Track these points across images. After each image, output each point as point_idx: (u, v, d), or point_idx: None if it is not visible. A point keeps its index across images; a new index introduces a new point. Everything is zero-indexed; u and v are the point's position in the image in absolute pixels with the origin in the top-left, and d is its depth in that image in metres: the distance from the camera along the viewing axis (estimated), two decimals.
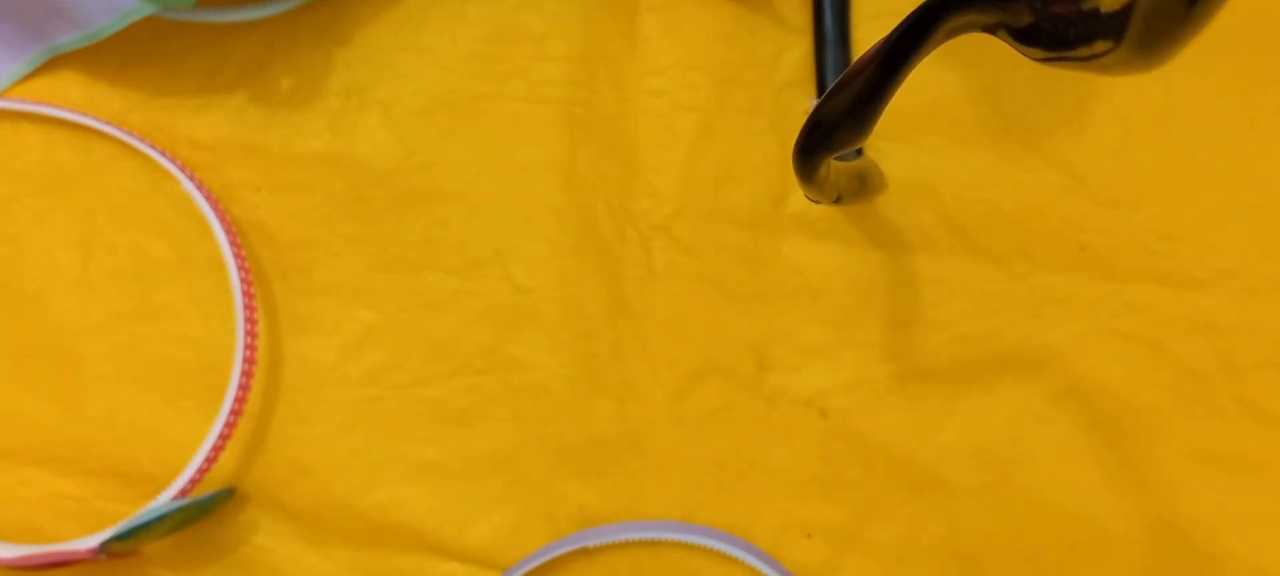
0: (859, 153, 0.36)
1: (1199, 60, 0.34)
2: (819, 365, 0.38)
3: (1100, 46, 0.21)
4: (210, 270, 0.40)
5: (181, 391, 0.40)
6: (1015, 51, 0.24)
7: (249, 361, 0.37)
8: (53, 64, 0.40)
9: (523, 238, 0.39)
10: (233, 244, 0.38)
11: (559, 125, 0.39)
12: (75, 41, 0.38)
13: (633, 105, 0.38)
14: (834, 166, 0.29)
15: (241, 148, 0.40)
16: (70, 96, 0.40)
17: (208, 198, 0.38)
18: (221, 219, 0.38)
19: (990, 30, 0.24)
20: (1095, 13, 0.21)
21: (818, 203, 0.30)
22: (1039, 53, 0.23)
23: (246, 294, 0.37)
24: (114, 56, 0.40)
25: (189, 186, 0.38)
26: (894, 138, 0.37)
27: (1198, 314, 0.36)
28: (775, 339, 0.38)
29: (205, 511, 0.38)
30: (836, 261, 0.38)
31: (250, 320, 0.37)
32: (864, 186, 0.34)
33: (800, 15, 0.38)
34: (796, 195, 0.38)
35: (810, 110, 0.26)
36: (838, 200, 0.31)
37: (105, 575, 0.40)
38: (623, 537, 0.37)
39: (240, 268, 0.38)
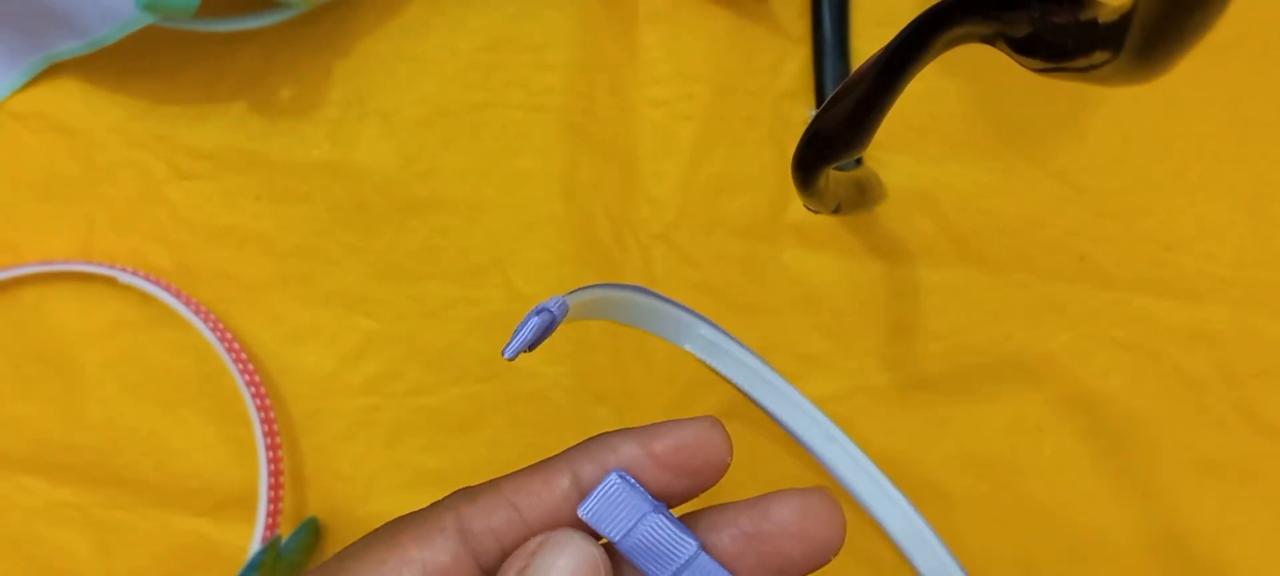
0: (858, 162, 0.37)
1: (1198, 70, 0.34)
2: (818, 374, 0.38)
3: (1099, 57, 0.21)
4: (209, 277, 0.40)
5: (180, 399, 0.40)
6: (1014, 62, 0.24)
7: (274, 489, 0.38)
8: (53, 72, 0.40)
9: (522, 246, 0.39)
10: (256, 394, 0.38)
11: (558, 134, 0.39)
12: (75, 50, 0.38)
13: (632, 114, 0.39)
14: (833, 176, 0.29)
15: (242, 157, 0.40)
16: (70, 105, 0.40)
17: (222, 339, 0.39)
18: (238, 361, 0.39)
19: (989, 41, 0.24)
20: (1094, 24, 0.21)
21: (817, 212, 0.30)
22: (1038, 63, 0.23)
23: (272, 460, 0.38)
24: (114, 65, 0.40)
25: (201, 326, 0.39)
26: (893, 147, 0.37)
27: (1197, 323, 0.36)
28: (775, 348, 0.38)
29: (299, 546, 0.38)
30: (836, 271, 0.38)
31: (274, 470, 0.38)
32: (863, 196, 0.34)
33: (799, 24, 0.38)
34: (796, 204, 0.38)
35: (809, 120, 0.26)
36: (837, 209, 0.31)
37: None
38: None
39: (260, 408, 0.38)
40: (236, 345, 0.39)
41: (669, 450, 0.23)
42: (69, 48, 0.39)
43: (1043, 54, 0.23)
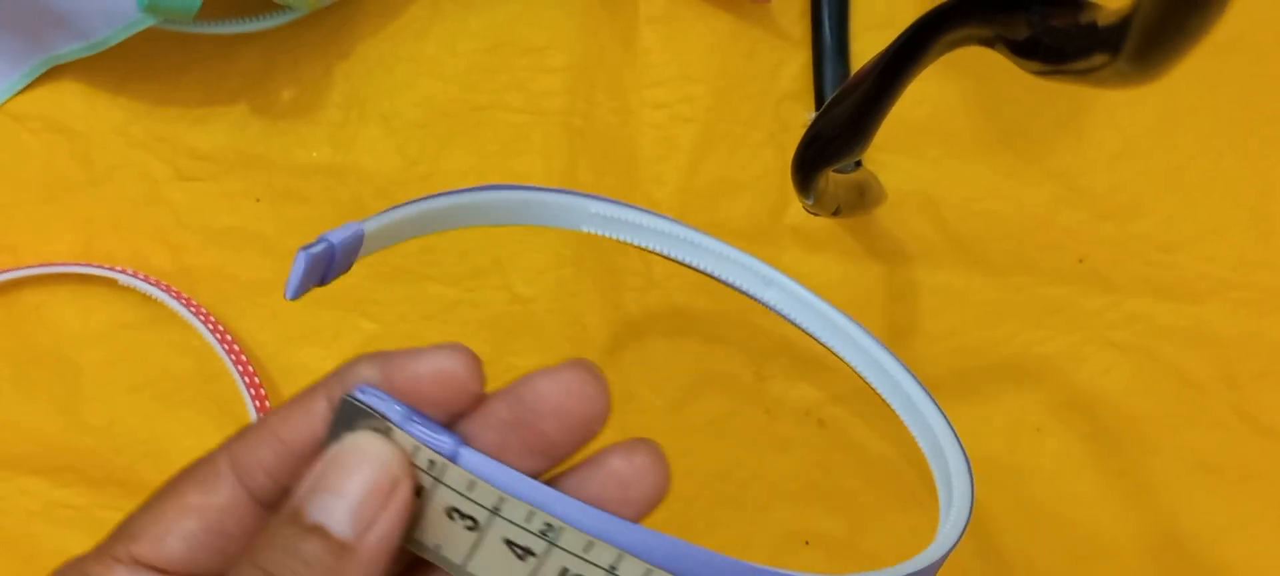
0: (858, 164, 0.37)
1: (1197, 71, 0.34)
2: (817, 375, 0.38)
3: (1098, 59, 0.21)
4: (210, 278, 0.40)
5: (181, 400, 0.40)
6: (1013, 64, 0.24)
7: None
8: (54, 74, 0.40)
9: (522, 248, 0.39)
10: (245, 375, 0.38)
11: (558, 136, 0.39)
12: (76, 52, 0.38)
13: (632, 116, 0.39)
14: (833, 178, 0.29)
15: (243, 158, 0.40)
16: (71, 107, 0.40)
17: (222, 340, 0.38)
18: (229, 350, 0.38)
19: (988, 43, 0.24)
20: (1092, 26, 0.21)
21: (817, 214, 0.30)
22: (1037, 66, 0.23)
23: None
24: (115, 67, 0.40)
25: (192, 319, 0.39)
26: (893, 149, 0.37)
27: (1196, 325, 0.36)
28: (774, 349, 0.38)
29: None
30: (835, 272, 0.38)
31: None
32: (863, 198, 0.34)
33: (799, 27, 0.38)
34: (795, 207, 0.38)
35: (809, 122, 0.26)
36: (837, 212, 0.31)
37: None
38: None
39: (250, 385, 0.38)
40: (237, 346, 0.39)
41: (410, 380, 0.22)
42: (70, 49, 0.39)
43: (1042, 56, 0.23)
